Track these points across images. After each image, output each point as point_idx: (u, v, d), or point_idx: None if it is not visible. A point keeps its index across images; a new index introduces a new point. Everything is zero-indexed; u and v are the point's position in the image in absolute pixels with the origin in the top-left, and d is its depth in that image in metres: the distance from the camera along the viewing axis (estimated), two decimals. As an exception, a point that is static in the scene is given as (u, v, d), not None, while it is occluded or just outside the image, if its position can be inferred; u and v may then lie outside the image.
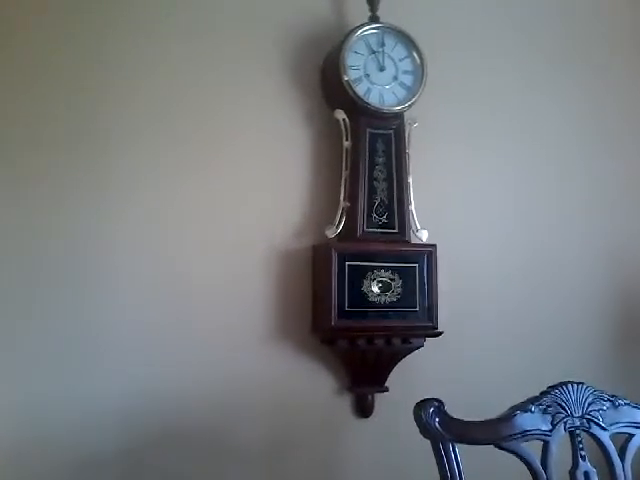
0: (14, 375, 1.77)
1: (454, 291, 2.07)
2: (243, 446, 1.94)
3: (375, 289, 1.95)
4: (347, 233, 1.97)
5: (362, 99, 1.96)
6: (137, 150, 1.91)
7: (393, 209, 2.00)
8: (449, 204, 2.17)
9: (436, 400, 1.44)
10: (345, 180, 1.99)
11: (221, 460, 1.92)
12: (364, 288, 1.94)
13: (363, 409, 2.04)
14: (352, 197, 1.98)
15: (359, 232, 1.97)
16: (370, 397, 2.04)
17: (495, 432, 1.44)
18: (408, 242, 2.01)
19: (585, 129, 2.37)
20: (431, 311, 1.99)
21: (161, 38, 1.95)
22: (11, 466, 1.75)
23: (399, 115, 2.01)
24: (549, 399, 1.48)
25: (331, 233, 1.96)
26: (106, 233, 1.86)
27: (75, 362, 1.81)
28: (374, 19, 2.02)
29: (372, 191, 1.99)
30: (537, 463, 1.43)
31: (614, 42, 2.45)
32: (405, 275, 1.97)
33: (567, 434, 1.48)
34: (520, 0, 2.33)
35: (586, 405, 1.49)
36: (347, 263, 1.93)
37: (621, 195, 2.40)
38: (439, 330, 1.99)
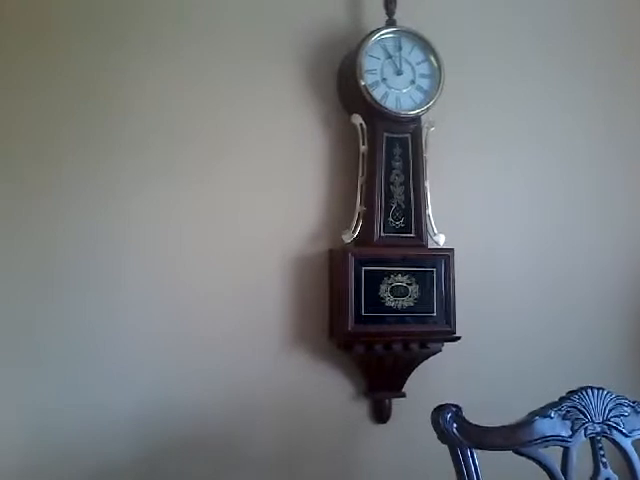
0: (25, 386, 1.78)
1: (471, 295, 2.06)
2: (259, 453, 1.94)
3: (392, 294, 1.94)
4: (364, 238, 1.97)
5: (379, 103, 1.95)
6: (148, 154, 1.91)
7: (410, 213, 1.99)
8: (466, 208, 2.16)
9: (454, 405, 1.43)
10: (362, 184, 1.99)
11: (237, 467, 1.92)
12: (381, 293, 1.94)
13: (380, 414, 2.04)
14: (369, 201, 1.97)
15: (376, 237, 1.96)
16: (387, 402, 2.03)
17: (514, 438, 1.42)
18: (425, 247, 2.00)
19: (598, 133, 2.35)
20: (449, 315, 1.97)
21: (173, 42, 1.95)
22: (24, 477, 1.76)
23: (416, 119, 2.01)
24: (569, 404, 1.46)
25: (348, 238, 1.96)
26: (118, 240, 1.87)
27: (87, 371, 1.82)
28: (391, 23, 2.02)
29: (389, 195, 1.98)
30: (557, 469, 1.42)
31: (627, 47, 2.42)
32: (422, 280, 1.97)
33: (587, 440, 1.46)
34: (535, 5, 2.31)
35: (607, 411, 1.47)
36: (364, 268, 1.93)
37: (635, 196, 2.37)
38: (457, 335, 1.98)
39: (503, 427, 1.43)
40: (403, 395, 2.03)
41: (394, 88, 1.98)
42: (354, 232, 1.96)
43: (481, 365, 2.12)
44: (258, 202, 1.99)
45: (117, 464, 1.82)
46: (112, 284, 1.86)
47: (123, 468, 1.83)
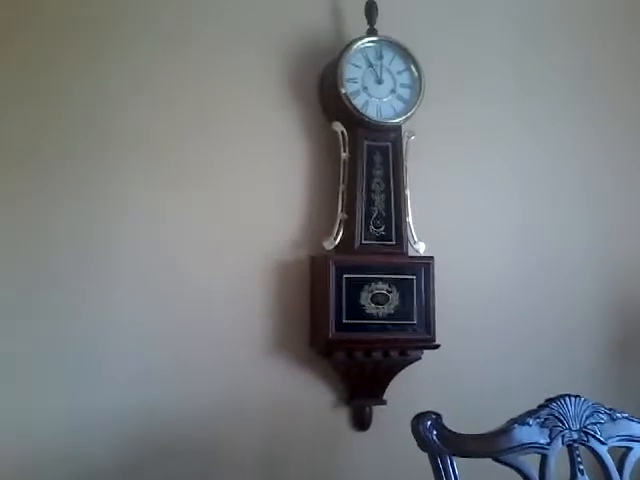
0: (13, 388, 1.76)
1: (452, 303, 2.07)
2: (240, 458, 1.93)
3: (373, 301, 1.95)
4: (344, 245, 1.97)
5: (360, 112, 1.96)
6: (135, 160, 1.90)
7: (391, 221, 2.00)
8: (447, 216, 2.17)
9: (434, 413, 1.44)
10: (343, 192, 1.99)
11: (219, 472, 1.91)
12: (362, 300, 1.94)
13: (361, 422, 2.04)
14: (350, 209, 1.98)
15: (356, 244, 1.97)
16: (368, 410, 2.03)
17: (493, 445, 1.44)
18: (405, 254, 2.01)
19: (585, 139, 2.37)
20: (429, 323, 1.98)
21: (160, 48, 1.95)
22: (11, 478, 1.74)
23: (397, 128, 2.02)
24: (547, 412, 1.47)
25: (329, 245, 1.97)
26: (104, 240, 1.86)
27: (73, 373, 1.81)
28: (372, 32, 2.03)
29: (370, 203, 1.99)
30: (535, 476, 1.43)
31: (608, 43, 2.45)
32: (402, 287, 1.97)
33: (565, 447, 1.48)
34: (518, 12, 2.34)
35: (584, 418, 1.49)
36: (344, 275, 1.93)
37: (622, 206, 2.40)
38: (437, 343, 1.99)
39: (482, 435, 1.44)
40: (384, 402, 2.03)
41: (375, 97, 1.99)
42: (335, 239, 1.97)
43: (461, 373, 2.13)
44: (238, 209, 1.99)
45: (100, 467, 1.81)
46: (98, 288, 1.85)
47: (106, 471, 1.82)
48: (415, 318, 1.98)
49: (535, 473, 1.43)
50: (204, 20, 2.00)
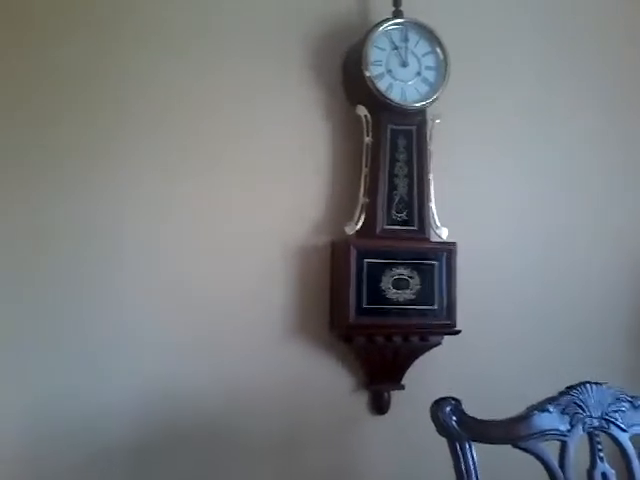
0: (27, 373, 1.78)
1: (473, 289, 2.05)
2: (259, 443, 1.94)
3: (394, 286, 1.94)
4: (366, 230, 1.96)
5: (384, 95, 1.94)
6: (147, 147, 1.90)
7: (413, 206, 1.99)
8: (470, 201, 2.15)
9: (453, 399, 1.43)
10: (365, 176, 1.98)
11: (236, 457, 1.92)
12: (382, 285, 1.94)
13: (379, 406, 2.04)
14: (372, 193, 1.97)
15: (378, 229, 1.96)
16: (387, 394, 2.03)
17: (512, 432, 1.43)
18: (428, 239, 2.00)
19: (604, 128, 2.34)
20: (450, 309, 1.97)
21: (174, 36, 1.93)
22: (24, 463, 1.77)
23: (421, 111, 2.00)
24: (567, 399, 1.46)
25: (350, 230, 1.96)
26: (119, 231, 1.87)
27: (89, 361, 1.82)
28: (397, 14, 2.00)
29: (392, 188, 1.98)
30: (555, 463, 1.42)
31: (630, 41, 2.41)
32: (424, 273, 1.96)
33: (585, 435, 1.47)
34: (543, -2, 2.31)
35: (605, 405, 1.48)
36: (366, 260, 1.93)
37: (636, 191, 2.37)
38: (457, 328, 1.98)
39: (502, 421, 1.44)
40: (402, 387, 2.03)
41: (399, 80, 1.97)
42: (357, 224, 1.96)
43: (481, 359, 2.12)
44: (261, 194, 1.98)
45: (115, 453, 1.83)
46: (114, 277, 1.85)
47: (122, 457, 1.83)
48: (436, 303, 1.97)
49: (555, 460, 1.43)
50: (225, 4, 1.98)
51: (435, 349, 2.01)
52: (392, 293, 1.94)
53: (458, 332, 1.98)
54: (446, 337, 2.00)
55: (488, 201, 2.19)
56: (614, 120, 2.36)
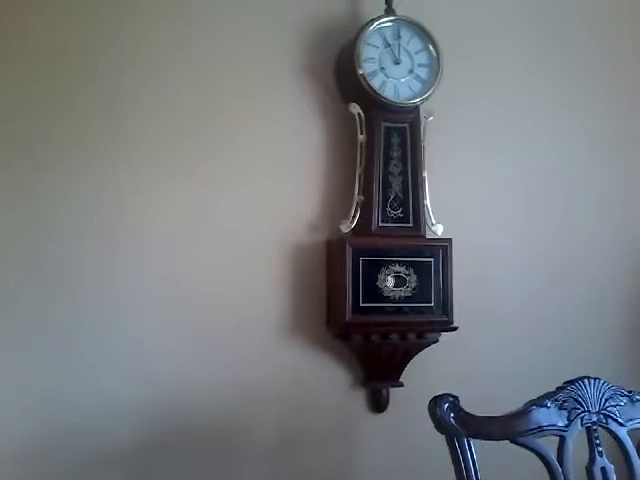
0: (30, 371, 1.78)
1: (469, 286, 2.05)
2: (256, 441, 1.94)
3: (390, 284, 1.94)
4: (362, 228, 1.96)
5: (377, 93, 1.94)
6: (146, 144, 1.90)
7: (408, 203, 1.99)
8: (464, 198, 2.15)
9: (451, 395, 1.43)
10: (360, 174, 1.98)
11: (235, 455, 1.92)
12: (379, 283, 1.94)
13: (377, 404, 2.04)
14: (367, 191, 1.97)
15: (374, 227, 1.96)
16: (385, 392, 2.04)
17: (511, 427, 1.43)
18: (423, 237, 2.00)
19: (598, 124, 2.34)
20: (446, 306, 1.97)
21: (170, 31, 1.94)
22: (29, 460, 1.77)
23: (414, 109, 2.00)
24: (565, 394, 1.46)
25: (345, 228, 1.96)
26: (117, 230, 1.87)
27: (91, 359, 1.82)
28: (390, 11, 2.00)
29: (387, 185, 1.98)
30: (553, 459, 1.42)
31: (624, 34, 2.41)
32: (420, 270, 1.96)
33: (584, 430, 1.47)
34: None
35: (603, 400, 1.47)
36: (362, 258, 1.92)
37: (635, 187, 2.37)
38: (454, 325, 1.98)
39: (500, 417, 1.44)
40: (400, 385, 2.03)
41: (392, 77, 1.97)
42: (352, 222, 1.96)
43: (478, 355, 2.12)
44: (256, 193, 1.98)
45: (118, 451, 1.83)
46: (114, 276, 1.86)
47: (124, 455, 1.84)
48: (432, 300, 1.97)
49: (553, 455, 1.43)
50: (216, 2, 1.98)
51: (433, 346, 2.01)
52: (388, 291, 1.94)
53: (455, 329, 1.98)
54: (444, 334, 2.00)
55: (483, 198, 2.19)
56: (612, 115, 2.35)
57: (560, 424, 1.44)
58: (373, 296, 1.93)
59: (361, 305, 1.92)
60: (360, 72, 1.93)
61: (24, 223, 1.81)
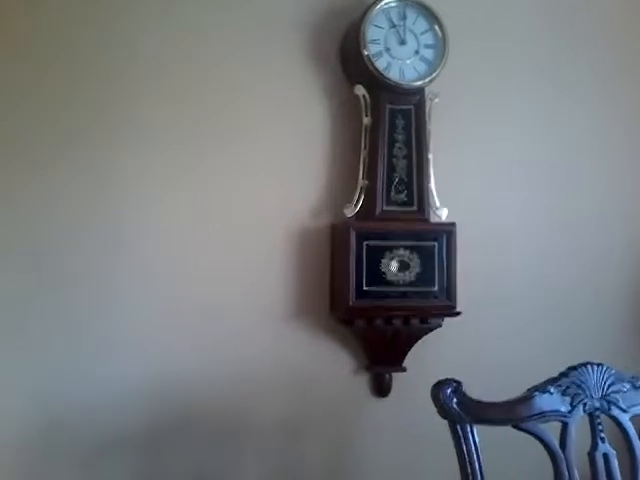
0: (32, 358, 1.80)
1: (473, 271, 2.04)
2: (260, 426, 1.95)
3: (393, 268, 1.93)
4: (366, 212, 1.95)
5: (382, 74, 1.92)
6: (152, 129, 1.90)
7: (412, 187, 1.97)
8: (469, 182, 2.13)
9: (454, 380, 1.43)
10: (364, 158, 1.97)
11: (239, 439, 1.94)
12: (382, 267, 1.93)
13: (380, 388, 2.04)
14: (371, 175, 1.95)
15: (378, 211, 1.95)
16: (388, 376, 2.03)
17: (513, 413, 1.43)
18: (427, 220, 1.99)
19: (604, 110, 2.30)
20: (450, 291, 1.96)
21: (174, 15, 1.92)
22: (31, 448, 1.79)
23: (420, 90, 1.98)
24: (568, 380, 1.45)
25: (349, 212, 1.95)
26: (122, 217, 1.88)
27: (93, 345, 1.84)
28: (395, -8, 1.98)
29: (391, 169, 1.96)
30: (555, 444, 1.42)
31: (633, 26, 2.36)
32: (424, 254, 1.95)
33: (586, 416, 1.46)
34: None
35: (606, 386, 1.47)
36: (365, 242, 1.92)
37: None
38: (458, 310, 1.97)
39: (503, 402, 1.43)
40: (403, 369, 2.03)
41: (398, 58, 1.94)
42: (356, 206, 1.95)
43: (481, 341, 2.11)
44: (261, 177, 1.98)
45: (120, 435, 1.85)
46: (117, 263, 1.87)
47: (126, 439, 1.85)
48: (436, 285, 1.96)
49: (555, 441, 1.42)
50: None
51: (436, 331, 2.00)
52: (392, 275, 1.93)
53: (458, 314, 1.97)
54: (447, 320, 1.99)
55: (489, 182, 2.16)
56: (618, 102, 2.31)
57: (563, 410, 1.44)
58: (377, 280, 1.92)
59: (364, 289, 1.91)
60: (365, 53, 1.91)
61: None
